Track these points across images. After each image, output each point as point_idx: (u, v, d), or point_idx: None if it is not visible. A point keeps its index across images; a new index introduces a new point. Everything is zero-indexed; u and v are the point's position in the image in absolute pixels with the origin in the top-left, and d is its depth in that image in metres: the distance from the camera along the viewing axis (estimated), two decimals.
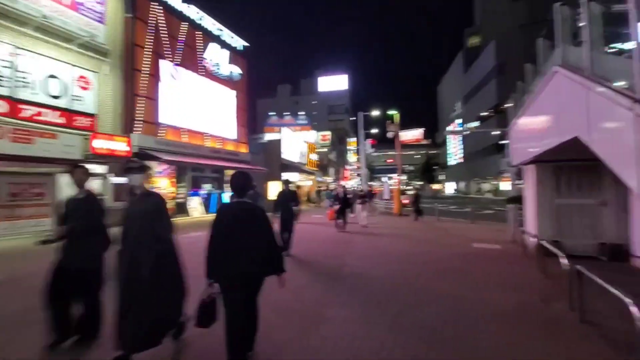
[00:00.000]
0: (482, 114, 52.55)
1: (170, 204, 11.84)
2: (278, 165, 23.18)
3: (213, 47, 18.72)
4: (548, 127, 5.70)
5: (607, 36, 4.27)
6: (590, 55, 4.20)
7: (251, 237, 2.48)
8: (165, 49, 16.00)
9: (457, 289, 4.81)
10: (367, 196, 28.76)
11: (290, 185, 7.83)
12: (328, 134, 50.17)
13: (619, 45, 4.30)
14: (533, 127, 6.90)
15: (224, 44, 19.44)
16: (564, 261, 4.11)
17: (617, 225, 6.63)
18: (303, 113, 57.58)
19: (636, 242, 6.09)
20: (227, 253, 2.44)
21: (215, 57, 18.86)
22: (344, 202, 11.92)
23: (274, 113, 56.78)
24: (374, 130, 38.92)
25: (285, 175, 24.14)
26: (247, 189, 2.65)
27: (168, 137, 15.88)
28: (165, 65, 15.90)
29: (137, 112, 14.38)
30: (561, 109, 5.13)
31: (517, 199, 12.37)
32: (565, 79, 4.79)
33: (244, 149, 21.04)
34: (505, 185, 43.43)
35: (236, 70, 20.24)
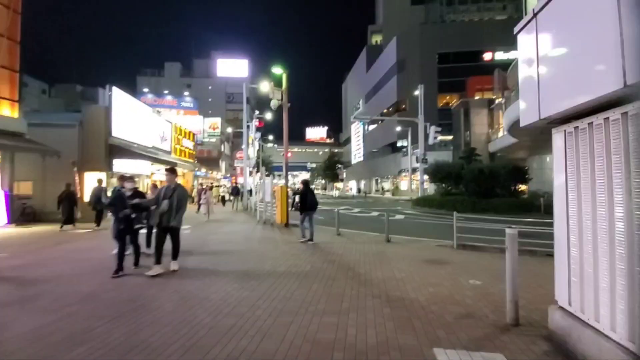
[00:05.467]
0: (383, 111, 51.76)
1: None
2: (104, 148, 14.59)
3: None
4: None
5: None
6: None
7: None
8: None
9: None
10: (234, 193, 21.50)
11: None
12: (217, 121, 41.51)
13: None
14: None
15: None
16: None
17: None
18: (187, 94, 47.07)
19: None
20: None
21: None
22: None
23: (148, 90, 44.81)
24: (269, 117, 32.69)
25: (119, 163, 15.56)
26: None
27: None
28: None
29: None
30: None
31: (427, 201, 8.06)
32: None
33: (8, 112, 11.74)
34: (405, 185, 42.63)
35: None
